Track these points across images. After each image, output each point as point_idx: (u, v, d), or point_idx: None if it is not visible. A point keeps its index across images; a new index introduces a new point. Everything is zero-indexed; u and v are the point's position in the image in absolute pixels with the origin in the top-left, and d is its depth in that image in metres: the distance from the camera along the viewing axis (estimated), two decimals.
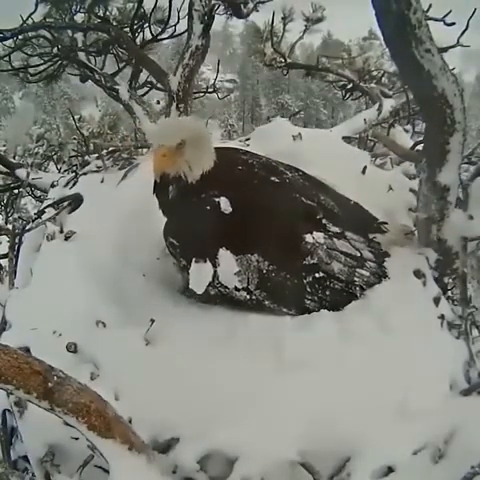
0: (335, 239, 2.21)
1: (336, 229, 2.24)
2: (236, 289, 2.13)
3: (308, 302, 2.17)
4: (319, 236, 2.17)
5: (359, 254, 2.25)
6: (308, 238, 2.15)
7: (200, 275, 2.10)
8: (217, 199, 2.12)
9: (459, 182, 2.22)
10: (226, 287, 2.13)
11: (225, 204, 2.11)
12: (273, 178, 2.26)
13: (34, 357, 1.51)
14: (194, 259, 2.11)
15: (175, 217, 2.21)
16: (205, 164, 2.18)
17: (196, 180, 2.17)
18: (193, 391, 1.95)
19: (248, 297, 2.14)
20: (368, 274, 2.24)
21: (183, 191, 2.19)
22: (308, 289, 2.16)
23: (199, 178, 2.17)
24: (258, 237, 2.10)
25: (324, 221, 2.23)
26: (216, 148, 2.28)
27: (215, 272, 2.09)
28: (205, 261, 2.09)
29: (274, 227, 2.11)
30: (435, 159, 2.14)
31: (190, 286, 2.12)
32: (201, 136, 2.19)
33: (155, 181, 2.22)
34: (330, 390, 1.94)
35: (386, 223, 2.44)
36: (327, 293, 2.18)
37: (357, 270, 2.22)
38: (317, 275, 2.16)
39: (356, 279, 2.22)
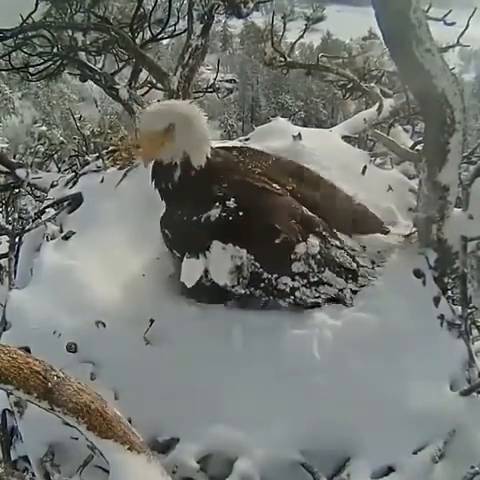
0: (333, 249, 2.19)
1: (336, 242, 2.22)
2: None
3: (304, 298, 2.15)
4: (314, 244, 2.13)
5: (355, 265, 2.23)
6: (300, 248, 2.11)
7: (191, 270, 2.12)
8: (214, 200, 2.10)
9: (459, 182, 2.22)
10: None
11: (222, 204, 2.08)
12: (275, 186, 2.20)
13: (34, 357, 1.51)
14: (186, 254, 2.13)
15: (172, 208, 2.20)
16: (204, 148, 2.13)
17: (198, 170, 2.13)
18: (193, 391, 1.95)
19: (242, 292, 2.13)
20: (361, 283, 2.24)
21: (184, 182, 2.16)
22: (301, 289, 2.15)
23: (204, 167, 2.13)
24: (251, 240, 2.08)
25: (324, 233, 2.19)
26: (221, 147, 2.26)
27: (206, 269, 2.09)
28: (197, 257, 2.10)
29: (267, 233, 2.09)
30: (435, 159, 2.14)
31: (181, 279, 2.14)
32: (193, 119, 2.10)
33: (153, 169, 2.18)
34: (330, 390, 1.94)
35: (388, 230, 2.44)
36: (321, 292, 2.18)
37: (349, 281, 2.22)
38: (311, 280, 2.15)
39: (347, 291, 2.21)
